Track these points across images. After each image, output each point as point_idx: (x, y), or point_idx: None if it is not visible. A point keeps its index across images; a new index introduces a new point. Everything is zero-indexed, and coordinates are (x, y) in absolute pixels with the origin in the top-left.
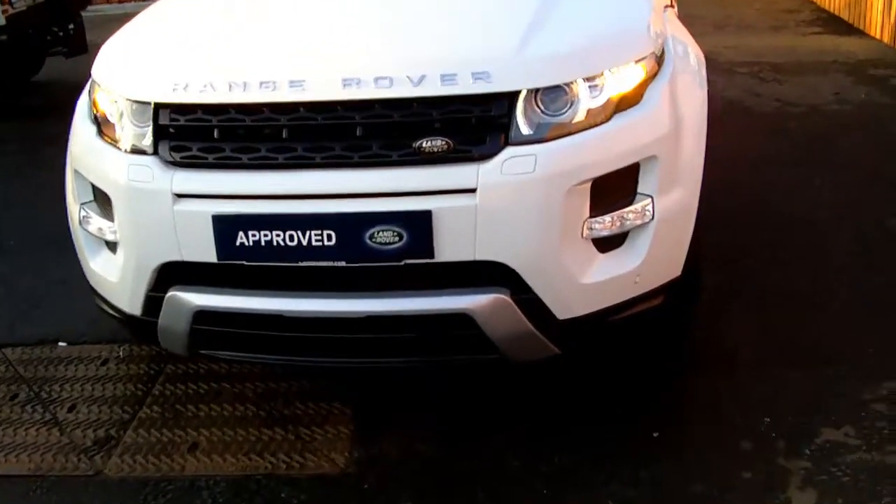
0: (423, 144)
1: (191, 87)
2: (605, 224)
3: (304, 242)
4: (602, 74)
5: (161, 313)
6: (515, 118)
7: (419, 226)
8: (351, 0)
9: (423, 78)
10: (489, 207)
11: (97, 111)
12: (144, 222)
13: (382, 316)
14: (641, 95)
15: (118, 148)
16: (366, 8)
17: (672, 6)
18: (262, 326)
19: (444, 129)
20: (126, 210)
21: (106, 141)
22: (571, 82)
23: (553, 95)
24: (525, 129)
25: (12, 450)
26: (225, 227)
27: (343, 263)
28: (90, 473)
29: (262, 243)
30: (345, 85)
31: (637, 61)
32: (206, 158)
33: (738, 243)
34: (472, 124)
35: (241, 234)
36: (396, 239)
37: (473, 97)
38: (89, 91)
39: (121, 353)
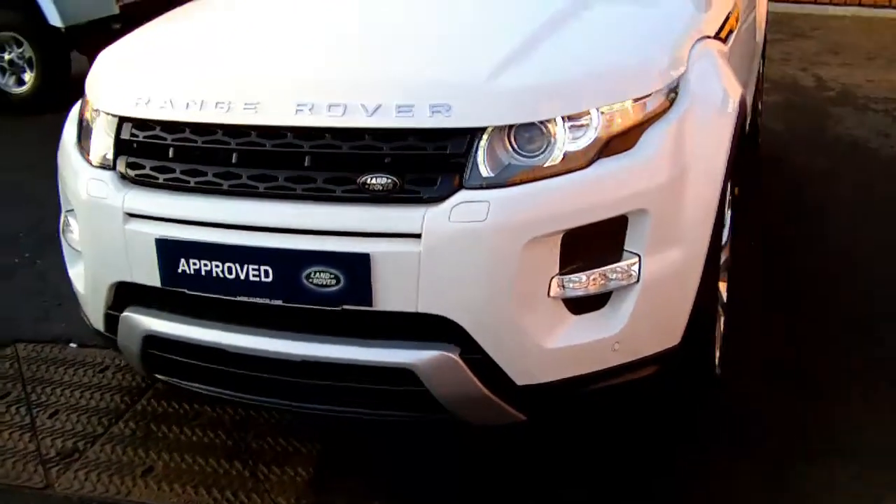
0: (369, 181)
1: (152, 102)
2: (581, 283)
3: (242, 276)
4: (588, 113)
5: (118, 332)
6: (475, 158)
7: (357, 270)
8: (334, 19)
9: (378, 107)
10: (434, 256)
11: (81, 119)
12: (99, 239)
13: (319, 362)
14: (637, 139)
15: (87, 160)
16: (346, 28)
17: (719, 38)
18: (207, 358)
19: (394, 165)
20: (85, 224)
21: (79, 150)
22: (548, 120)
23: (527, 134)
24: (485, 171)
25: None
26: (167, 251)
27: (279, 303)
28: (39, 486)
29: (202, 272)
30: (297, 110)
31: (636, 99)
32: (157, 178)
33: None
34: (424, 162)
35: (182, 260)
36: (333, 282)
37: (429, 132)
38: (81, 99)
39: (121, 362)
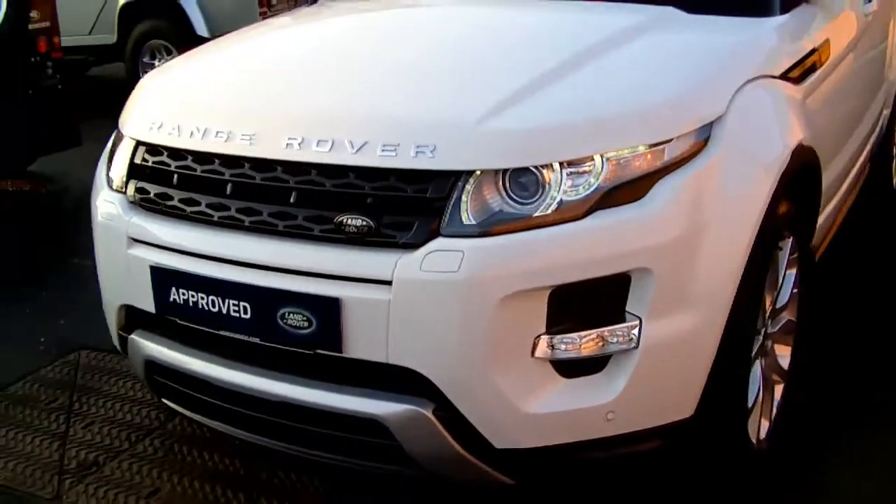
0: (346, 221)
1: (163, 128)
2: (573, 345)
3: (224, 310)
4: (591, 158)
5: (128, 354)
6: (458, 203)
7: (328, 314)
8: (340, 54)
9: (363, 145)
10: (404, 306)
11: (113, 142)
12: (109, 260)
13: (292, 403)
14: (647, 190)
15: (108, 182)
16: (348, 63)
17: (788, 78)
18: (198, 388)
19: (374, 207)
20: (98, 245)
21: (106, 172)
22: (544, 166)
23: (521, 180)
24: (467, 219)
25: (2, 456)
26: (160, 279)
27: (257, 340)
28: (48, 497)
29: (190, 303)
30: (287, 144)
31: (651, 145)
32: (159, 204)
33: None
34: (403, 205)
35: (173, 289)
36: (306, 324)
37: (411, 173)
38: None
39: None
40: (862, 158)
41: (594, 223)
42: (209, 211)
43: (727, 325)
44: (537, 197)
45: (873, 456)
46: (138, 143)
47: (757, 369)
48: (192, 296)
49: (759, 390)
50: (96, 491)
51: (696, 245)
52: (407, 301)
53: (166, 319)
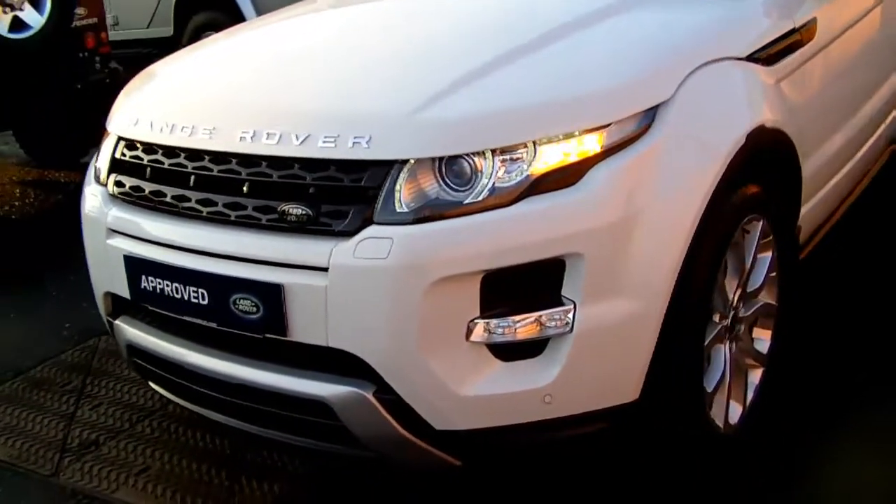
0: (288, 210)
1: (140, 123)
2: (509, 328)
3: (185, 297)
4: (523, 145)
5: (115, 338)
6: (392, 192)
7: (272, 299)
8: (298, 50)
9: (307, 137)
10: (340, 292)
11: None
12: (93, 250)
13: (248, 385)
14: (581, 175)
15: (96, 176)
16: (304, 58)
17: (756, 60)
18: (171, 371)
19: (315, 196)
20: (84, 235)
21: (94, 166)
22: (476, 153)
23: (455, 168)
24: (400, 207)
25: (9, 433)
26: (132, 268)
27: (215, 325)
28: (46, 473)
29: (158, 290)
30: (241, 137)
31: (586, 131)
32: (133, 197)
33: None
34: (340, 194)
35: (143, 277)
36: (255, 310)
37: (349, 163)
38: None
39: None
40: (868, 146)
41: (523, 209)
42: (174, 202)
43: (668, 309)
44: (471, 184)
45: (854, 441)
46: (119, 139)
47: (721, 353)
48: (159, 283)
49: (725, 374)
50: (91, 468)
51: (631, 230)
52: (342, 287)
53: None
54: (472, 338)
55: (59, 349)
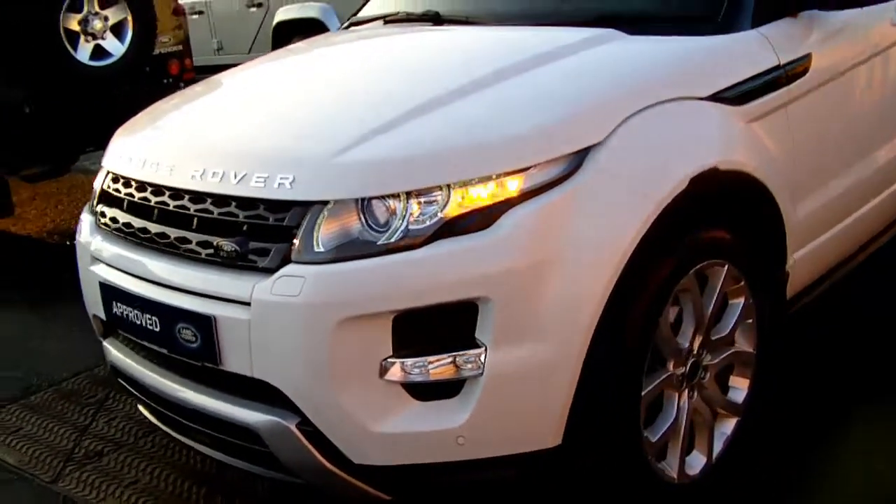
0: (221, 246)
1: (122, 158)
2: (422, 369)
3: (143, 324)
4: (440, 188)
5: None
6: (311, 231)
7: (206, 330)
8: (258, 95)
9: (244, 176)
10: (260, 326)
11: None
12: (82, 274)
13: (195, 409)
14: (495, 219)
15: (91, 205)
16: (259, 102)
17: (721, 99)
18: (143, 392)
19: (246, 233)
20: (77, 259)
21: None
22: (391, 196)
23: (374, 210)
24: (318, 246)
25: (26, 440)
26: (106, 293)
27: (166, 352)
28: (45, 480)
29: (124, 315)
30: (192, 175)
31: (503, 175)
32: (110, 226)
33: None
34: (267, 232)
35: (114, 302)
36: (194, 339)
37: (274, 203)
38: None
39: None
40: (890, 193)
41: (433, 251)
42: (138, 233)
43: (588, 356)
44: (387, 226)
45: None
46: (107, 172)
47: (674, 401)
48: (125, 309)
49: (679, 422)
50: (87, 478)
51: (544, 275)
52: (262, 321)
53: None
54: (387, 377)
55: (95, 363)
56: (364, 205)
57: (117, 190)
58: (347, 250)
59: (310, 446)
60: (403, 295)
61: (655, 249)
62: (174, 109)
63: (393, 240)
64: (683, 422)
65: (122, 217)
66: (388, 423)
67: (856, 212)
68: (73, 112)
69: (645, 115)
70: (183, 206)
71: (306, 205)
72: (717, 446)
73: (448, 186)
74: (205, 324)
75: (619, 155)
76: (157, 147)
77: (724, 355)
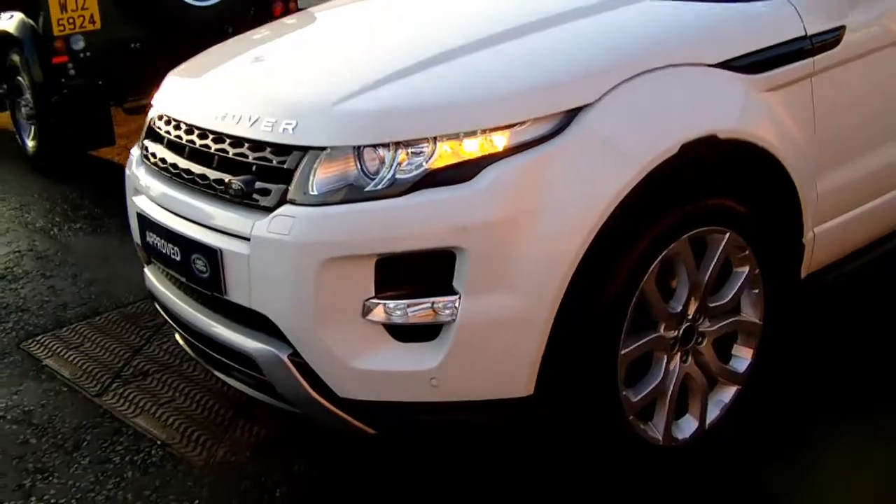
0: (231, 183)
1: (167, 97)
2: (401, 311)
3: (168, 253)
4: (427, 140)
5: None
6: (307, 175)
7: (214, 262)
8: (289, 46)
9: (256, 120)
10: (257, 261)
11: None
12: (128, 204)
13: (208, 335)
14: (478, 172)
15: (141, 140)
16: (286, 53)
17: (731, 68)
18: (172, 318)
19: (254, 173)
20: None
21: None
22: (382, 145)
23: (368, 158)
24: (312, 189)
25: (84, 357)
26: (142, 223)
27: (185, 280)
28: (91, 393)
29: (154, 245)
30: (216, 117)
31: (490, 130)
32: (150, 161)
33: None
34: (270, 173)
35: (147, 232)
36: (205, 269)
37: (278, 146)
38: None
39: None
40: None
41: (413, 200)
42: (171, 169)
43: (560, 311)
44: (376, 174)
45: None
46: (155, 110)
47: (663, 363)
48: (155, 239)
49: (667, 385)
50: (129, 394)
51: (519, 229)
52: (259, 256)
53: None
54: (369, 317)
55: None
56: (359, 153)
57: (160, 127)
58: (338, 195)
59: (300, 377)
60: (385, 240)
61: (640, 213)
62: (218, 55)
63: (380, 187)
64: (672, 385)
65: (161, 153)
66: (367, 360)
67: (888, 193)
68: (177, 49)
69: (644, 79)
70: (206, 146)
71: (305, 149)
72: (713, 413)
73: (435, 139)
74: (213, 256)
75: (609, 117)
76: (193, 89)
77: (724, 323)
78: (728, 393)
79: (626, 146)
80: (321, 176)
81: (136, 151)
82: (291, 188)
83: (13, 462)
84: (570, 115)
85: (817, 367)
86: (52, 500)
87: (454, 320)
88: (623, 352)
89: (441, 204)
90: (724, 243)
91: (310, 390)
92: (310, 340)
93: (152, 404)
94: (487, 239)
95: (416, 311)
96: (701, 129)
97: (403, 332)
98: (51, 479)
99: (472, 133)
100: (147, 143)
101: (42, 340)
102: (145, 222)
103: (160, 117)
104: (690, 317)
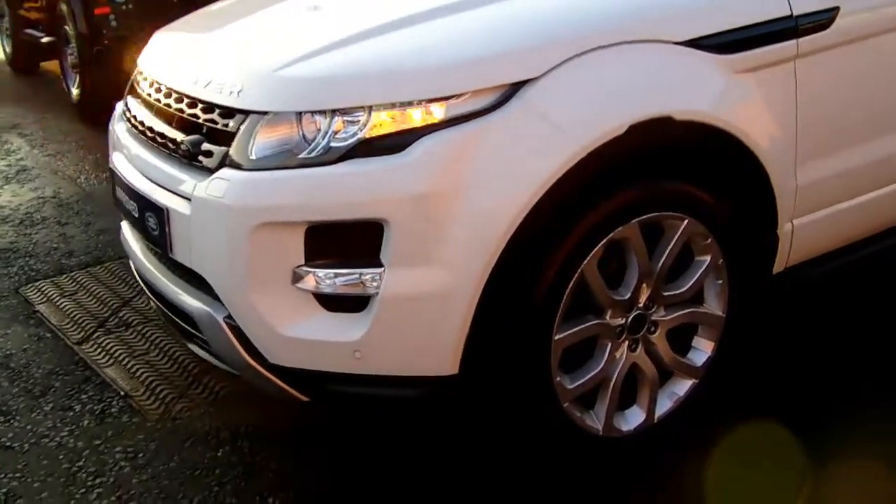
0: (181, 143)
1: (147, 55)
2: (328, 281)
3: (130, 210)
4: (362, 109)
5: None
6: (247, 139)
7: (162, 220)
8: (257, 15)
9: (209, 82)
10: (196, 221)
11: None
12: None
13: (161, 292)
14: (409, 144)
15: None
16: (249, 20)
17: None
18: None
19: (204, 134)
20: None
21: None
22: (319, 112)
23: (308, 124)
24: (250, 153)
25: (75, 306)
26: (113, 178)
27: (142, 237)
28: (73, 340)
29: (121, 200)
30: (178, 77)
31: (425, 101)
32: (126, 116)
33: None
34: (216, 135)
35: (116, 188)
36: (155, 227)
37: (225, 109)
38: None
39: None
40: None
41: (342, 170)
42: (139, 126)
43: (486, 290)
44: (313, 140)
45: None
46: (137, 68)
47: (606, 351)
48: (121, 194)
49: (609, 374)
50: (107, 345)
51: (446, 204)
52: (198, 217)
53: None
54: (299, 285)
55: None
56: (299, 119)
57: (139, 84)
58: (274, 161)
59: (234, 340)
60: (314, 208)
61: (579, 194)
62: (203, 16)
63: (313, 154)
64: (616, 374)
65: (135, 109)
66: (295, 328)
67: (879, 189)
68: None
69: (597, 55)
70: (169, 104)
71: (248, 113)
72: (665, 406)
73: (370, 108)
74: (161, 214)
75: (552, 94)
76: (168, 49)
77: (681, 313)
78: (683, 386)
79: (566, 124)
80: (260, 141)
81: (119, 107)
82: (231, 151)
83: None
84: (513, 90)
85: (785, 364)
86: (7, 443)
87: (376, 294)
88: (557, 337)
89: (369, 174)
90: (680, 231)
91: (244, 354)
92: (241, 304)
93: (127, 356)
94: (412, 212)
95: (344, 281)
96: (653, 110)
97: (334, 302)
98: (11, 422)
99: (409, 103)
100: (129, 99)
101: (40, 286)
102: (116, 178)
103: (140, 74)
104: (642, 305)
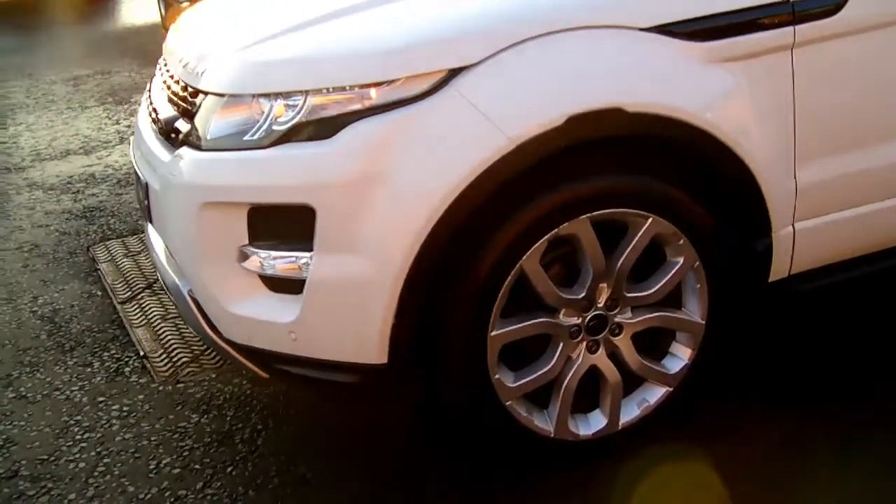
0: (162, 121)
1: (168, 42)
2: (268, 261)
3: (137, 191)
4: (301, 93)
5: None
6: (206, 120)
7: (146, 195)
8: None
9: (187, 63)
10: (161, 197)
11: None
12: None
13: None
14: (336, 131)
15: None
16: (245, 11)
17: (669, 32)
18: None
19: (179, 113)
20: None
21: None
22: (263, 95)
23: (255, 107)
24: (206, 133)
25: (132, 265)
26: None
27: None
28: (119, 300)
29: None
30: (177, 58)
31: (357, 87)
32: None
33: None
34: (186, 114)
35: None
36: (143, 198)
37: (193, 90)
38: None
39: None
40: None
41: (275, 154)
42: (151, 103)
43: (409, 281)
44: (257, 122)
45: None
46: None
47: (557, 350)
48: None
49: (563, 375)
50: (148, 305)
51: (370, 191)
52: (163, 193)
53: None
54: (244, 264)
55: None
56: (250, 102)
57: (159, 69)
58: (226, 142)
59: (198, 313)
60: (252, 190)
61: (512, 187)
62: (207, 5)
63: (255, 137)
64: (568, 375)
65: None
66: (241, 305)
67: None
68: None
69: (539, 42)
70: (166, 83)
71: (208, 94)
72: (632, 412)
73: (307, 92)
74: (145, 189)
75: (486, 82)
76: (180, 29)
77: (649, 316)
78: (655, 393)
79: (497, 113)
80: (215, 122)
81: (146, 93)
82: (192, 131)
83: (17, 353)
84: (449, 77)
85: (771, 372)
86: (24, 393)
87: (306, 278)
88: (494, 333)
89: (298, 159)
90: (643, 230)
91: (206, 328)
92: (195, 280)
93: (160, 318)
94: (337, 197)
95: (281, 263)
96: (598, 101)
97: (278, 283)
98: (35, 373)
99: (342, 88)
100: (149, 84)
101: (109, 246)
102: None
103: (161, 58)
104: (602, 305)
